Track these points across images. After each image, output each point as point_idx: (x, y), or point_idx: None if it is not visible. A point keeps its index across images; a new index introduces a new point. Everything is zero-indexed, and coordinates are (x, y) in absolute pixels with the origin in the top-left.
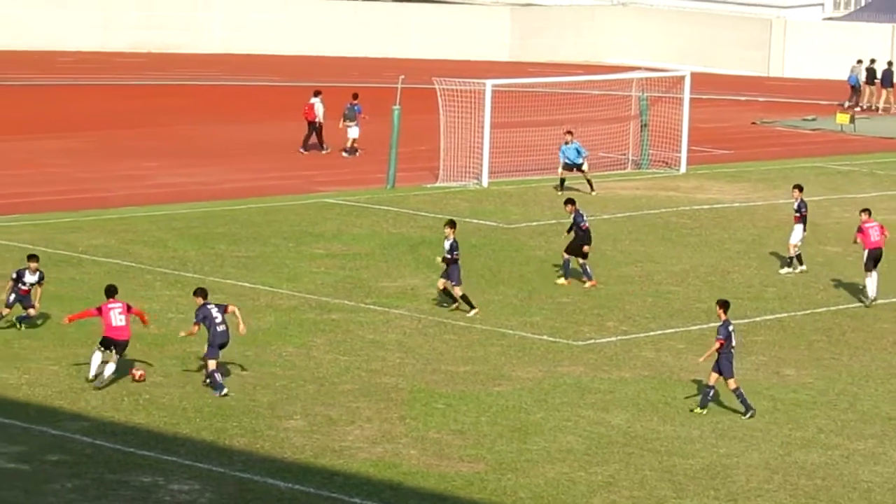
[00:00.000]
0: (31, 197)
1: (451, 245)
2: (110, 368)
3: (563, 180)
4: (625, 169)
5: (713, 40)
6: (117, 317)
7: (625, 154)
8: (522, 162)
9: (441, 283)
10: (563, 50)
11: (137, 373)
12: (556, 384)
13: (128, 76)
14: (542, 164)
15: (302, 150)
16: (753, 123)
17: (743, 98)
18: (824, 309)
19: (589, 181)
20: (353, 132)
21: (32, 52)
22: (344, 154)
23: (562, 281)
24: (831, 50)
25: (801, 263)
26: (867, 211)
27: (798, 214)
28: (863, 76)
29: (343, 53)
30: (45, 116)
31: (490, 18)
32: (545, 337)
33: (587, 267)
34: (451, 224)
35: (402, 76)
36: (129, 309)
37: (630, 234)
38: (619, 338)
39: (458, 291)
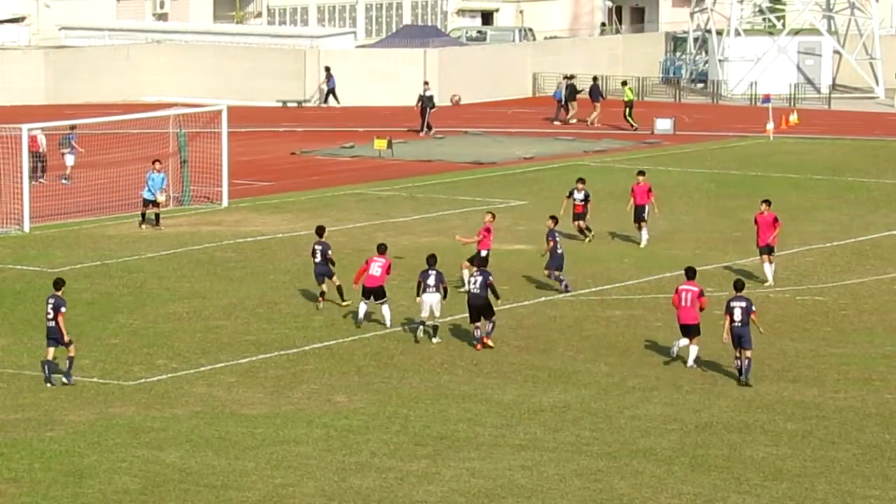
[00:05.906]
0: None
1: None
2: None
3: (143, 215)
4: (167, 206)
5: (251, 73)
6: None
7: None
8: (65, 205)
9: None
10: (99, 90)
11: None
12: (109, 426)
13: None
14: (85, 206)
15: None
16: (293, 154)
17: (282, 129)
18: (372, 334)
19: (157, 216)
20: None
21: None
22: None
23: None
24: (366, 77)
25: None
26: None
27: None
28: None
29: None
30: None
31: (23, 62)
32: (95, 379)
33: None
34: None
35: None
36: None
37: (176, 271)
38: (169, 375)
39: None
